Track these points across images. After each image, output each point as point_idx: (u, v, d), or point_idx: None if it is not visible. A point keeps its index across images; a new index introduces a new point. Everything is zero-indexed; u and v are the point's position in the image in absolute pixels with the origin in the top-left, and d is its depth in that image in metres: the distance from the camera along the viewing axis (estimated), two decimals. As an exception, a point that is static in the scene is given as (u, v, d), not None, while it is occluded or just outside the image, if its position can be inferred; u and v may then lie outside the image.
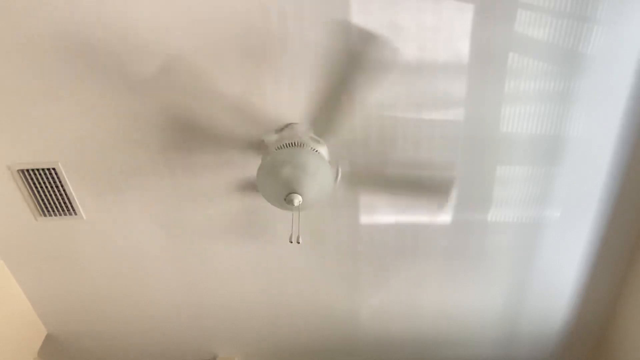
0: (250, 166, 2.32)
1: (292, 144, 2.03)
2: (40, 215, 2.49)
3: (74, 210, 2.47)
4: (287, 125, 2.18)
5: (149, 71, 2.02)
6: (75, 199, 2.43)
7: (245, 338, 3.18)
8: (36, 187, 2.38)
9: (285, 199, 1.90)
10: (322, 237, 2.61)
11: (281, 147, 2.03)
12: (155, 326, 3.08)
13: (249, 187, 2.41)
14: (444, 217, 2.52)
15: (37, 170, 2.32)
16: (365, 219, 2.54)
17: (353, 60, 1.99)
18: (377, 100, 2.11)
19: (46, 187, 2.38)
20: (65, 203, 2.44)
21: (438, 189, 2.40)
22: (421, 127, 2.19)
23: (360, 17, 1.89)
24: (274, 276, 2.81)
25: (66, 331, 3.10)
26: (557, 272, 2.76)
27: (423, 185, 2.38)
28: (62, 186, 2.38)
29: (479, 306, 2.95)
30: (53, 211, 2.47)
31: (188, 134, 2.22)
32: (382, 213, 2.52)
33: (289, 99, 2.11)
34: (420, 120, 2.17)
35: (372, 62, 2.01)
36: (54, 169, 2.32)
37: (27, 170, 2.33)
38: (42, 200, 2.43)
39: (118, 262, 2.72)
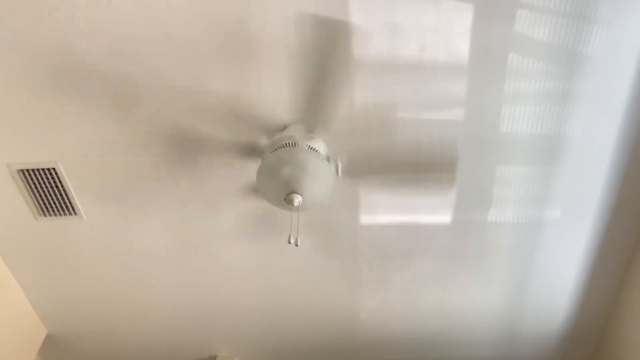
0: (250, 167, 2.32)
1: (286, 144, 2.03)
2: (40, 215, 2.49)
3: (74, 210, 2.47)
4: (287, 127, 2.18)
5: (147, 76, 2.02)
6: (75, 199, 2.43)
7: (245, 338, 3.18)
8: (36, 187, 2.38)
9: (285, 199, 1.90)
10: (322, 237, 2.61)
11: (276, 149, 2.03)
12: (155, 326, 3.09)
13: (249, 187, 2.41)
14: (444, 217, 2.52)
15: (37, 170, 2.32)
16: (365, 219, 2.54)
17: (333, 53, 1.98)
18: (377, 100, 2.11)
19: (46, 187, 2.38)
20: (65, 203, 2.44)
21: (440, 170, 2.36)
22: (421, 127, 2.20)
23: (359, 17, 1.89)
24: (274, 276, 2.81)
25: (66, 331, 3.10)
26: (557, 272, 2.76)
27: (425, 167, 2.34)
28: (62, 186, 2.38)
29: (479, 306, 2.95)
30: (53, 211, 2.47)
31: (187, 136, 2.22)
32: (382, 213, 2.52)
33: (286, 100, 2.11)
34: (420, 120, 2.17)
35: (351, 56, 1.99)
36: (54, 169, 2.32)
37: (27, 170, 2.32)
38: (42, 200, 2.43)
39: (118, 262, 2.72)
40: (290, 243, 1.85)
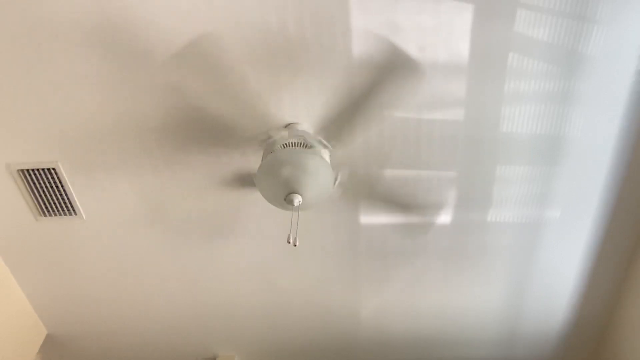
0: (250, 165, 2.32)
1: (298, 143, 2.03)
2: (40, 215, 2.49)
3: (74, 210, 2.47)
4: (289, 125, 2.18)
5: (152, 68, 2.02)
6: (75, 199, 2.43)
7: (245, 337, 3.18)
8: (36, 187, 2.38)
9: (285, 199, 1.89)
10: (322, 237, 2.61)
11: (287, 145, 2.02)
12: (155, 326, 3.08)
13: (249, 186, 2.41)
14: (444, 217, 2.52)
15: (37, 170, 2.32)
16: (365, 219, 2.54)
17: (379, 78, 2.01)
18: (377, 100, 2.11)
19: (46, 187, 2.38)
20: (65, 203, 2.44)
21: (425, 212, 2.46)
22: (421, 127, 2.19)
23: (360, 17, 1.89)
24: (274, 276, 2.81)
25: (66, 331, 3.10)
26: (557, 272, 2.76)
27: (412, 207, 2.42)
28: (62, 186, 2.38)
29: (479, 306, 2.95)
30: (53, 211, 2.47)
31: (188, 134, 2.22)
32: (382, 213, 2.52)
33: (295, 100, 2.11)
34: (420, 120, 2.17)
35: (396, 79, 2.03)
36: (54, 169, 2.32)
37: (27, 170, 2.32)
38: (42, 200, 2.43)
39: (118, 262, 2.72)
40: (289, 243, 1.85)
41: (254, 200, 2.45)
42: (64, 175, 2.35)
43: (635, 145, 2.25)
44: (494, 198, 2.44)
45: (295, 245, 1.87)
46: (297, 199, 1.88)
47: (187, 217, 2.53)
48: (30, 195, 2.41)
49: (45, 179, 2.36)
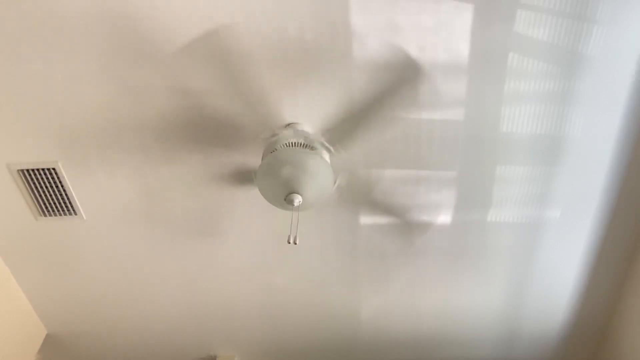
0: (250, 165, 2.32)
1: (299, 143, 2.02)
2: (40, 215, 2.49)
3: (74, 210, 2.47)
4: (289, 125, 2.17)
5: (153, 68, 2.02)
6: (75, 198, 2.43)
7: (245, 337, 3.18)
8: (36, 187, 2.38)
9: (285, 199, 1.89)
10: (322, 237, 2.61)
11: (287, 145, 2.02)
12: (155, 326, 3.08)
13: (250, 186, 2.40)
14: (444, 217, 2.52)
15: (37, 170, 2.32)
16: (365, 219, 2.54)
17: (380, 79, 2.01)
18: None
19: (46, 187, 2.38)
20: (65, 203, 2.44)
21: (424, 214, 2.48)
22: (421, 127, 2.19)
23: (359, 17, 1.89)
24: (274, 276, 2.81)
25: (66, 331, 3.10)
26: (557, 272, 2.76)
27: (409, 212, 2.44)
28: (62, 186, 2.38)
29: (479, 306, 2.95)
30: (53, 211, 2.47)
31: (189, 133, 2.22)
32: (381, 215, 2.51)
33: (295, 100, 2.11)
34: (420, 120, 2.17)
35: (397, 79, 2.04)
36: (54, 169, 2.32)
37: (27, 170, 2.32)
38: (42, 200, 2.43)
39: (118, 262, 2.72)
40: (289, 243, 1.85)
41: (254, 200, 2.45)
42: (64, 175, 2.35)
43: (635, 145, 2.25)
44: (494, 198, 2.44)
45: (296, 244, 1.87)
46: (297, 199, 1.88)
47: (188, 217, 2.53)
48: (30, 195, 2.41)
49: (45, 179, 2.36)
